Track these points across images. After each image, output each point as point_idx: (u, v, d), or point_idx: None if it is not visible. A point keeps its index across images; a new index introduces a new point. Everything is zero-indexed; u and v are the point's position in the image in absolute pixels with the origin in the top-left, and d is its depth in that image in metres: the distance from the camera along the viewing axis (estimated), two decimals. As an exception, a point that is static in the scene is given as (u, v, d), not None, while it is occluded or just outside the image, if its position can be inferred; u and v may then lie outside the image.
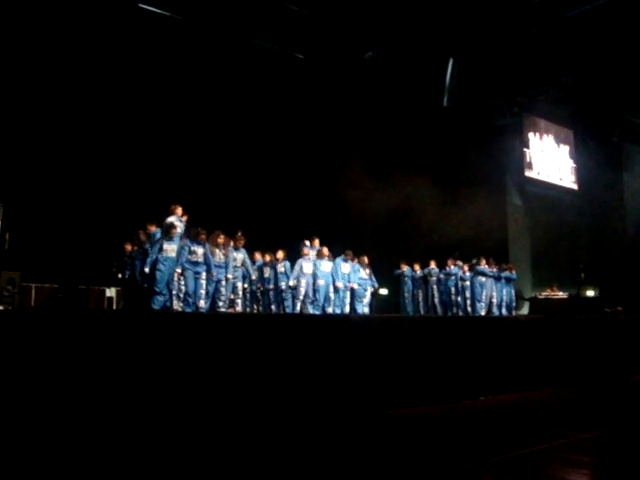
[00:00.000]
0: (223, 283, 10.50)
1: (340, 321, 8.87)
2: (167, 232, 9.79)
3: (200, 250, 9.95)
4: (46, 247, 11.90)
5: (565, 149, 22.24)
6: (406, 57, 16.01)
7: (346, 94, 15.43)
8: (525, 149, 20.35)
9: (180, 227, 10.11)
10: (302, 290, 11.89)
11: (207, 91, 13.93)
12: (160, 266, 9.60)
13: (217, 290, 10.37)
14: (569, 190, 21.80)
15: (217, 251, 10.38)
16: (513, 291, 15.37)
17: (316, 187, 15.17)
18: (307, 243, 12.28)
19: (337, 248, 12.50)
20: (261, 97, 14.56)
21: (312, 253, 12.17)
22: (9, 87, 11.48)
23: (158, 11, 13.14)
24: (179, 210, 10.29)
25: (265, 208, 14.39)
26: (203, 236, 9.99)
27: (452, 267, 14.54)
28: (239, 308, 11.37)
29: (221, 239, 10.44)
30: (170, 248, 9.70)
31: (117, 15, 12.52)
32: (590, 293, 19.12)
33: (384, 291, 15.79)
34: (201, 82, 13.84)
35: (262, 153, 14.65)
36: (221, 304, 10.47)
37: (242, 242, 11.16)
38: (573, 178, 22.20)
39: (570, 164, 22.30)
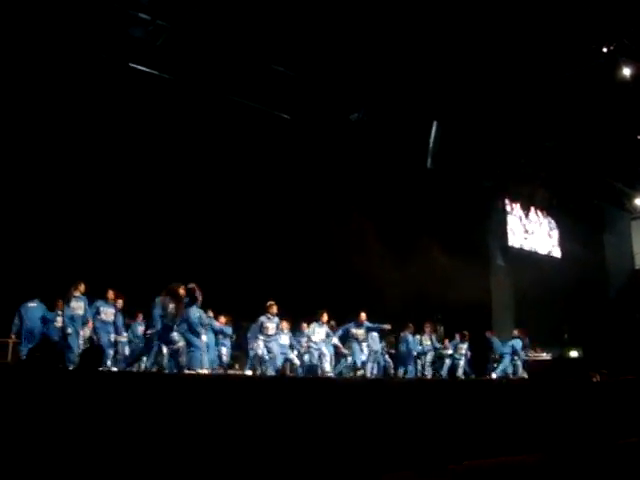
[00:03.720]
0: None
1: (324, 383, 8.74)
2: None
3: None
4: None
5: (546, 212, 22.55)
6: (391, 119, 16.25)
7: (331, 154, 15.57)
8: (507, 213, 20.62)
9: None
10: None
11: (194, 152, 14.01)
12: None
13: None
14: (551, 257, 22.06)
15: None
16: None
17: (295, 249, 15.13)
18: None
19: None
20: (248, 159, 14.66)
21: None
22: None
23: (147, 70, 13.31)
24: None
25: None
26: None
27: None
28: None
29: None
30: None
31: (108, 74, 12.67)
32: (574, 354, 19.07)
33: None
34: (189, 142, 13.93)
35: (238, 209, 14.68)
36: None
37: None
38: (555, 240, 22.45)
39: (552, 226, 22.58)
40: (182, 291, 9.79)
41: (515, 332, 16.55)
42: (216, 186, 14.23)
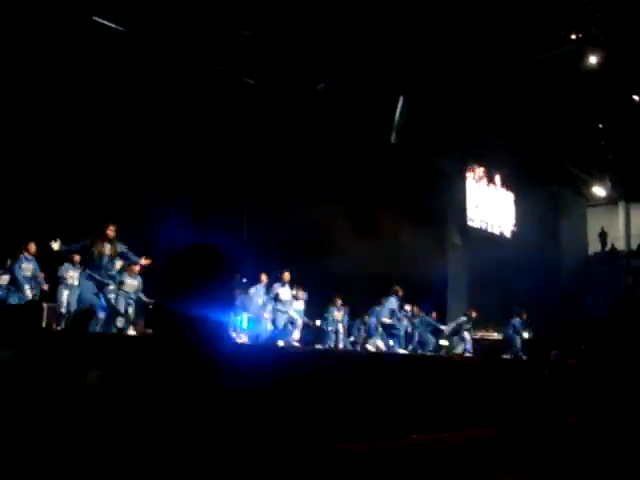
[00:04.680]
0: None
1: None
2: None
3: None
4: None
5: (507, 195, 22.79)
6: (358, 91, 16.14)
7: (296, 123, 15.40)
8: (467, 194, 20.78)
9: None
10: None
11: (157, 114, 13.66)
12: None
13: None
14: (508, 238, 22.35)
15: None
16: None
17: (258, 211, 14.99)
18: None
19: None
20: (212, 123, 14.39)
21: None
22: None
23: (112, 25, 12.91)
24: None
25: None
26: None
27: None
28: None
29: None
30: None
31: (69, 27, 12.23)
32: (525, 335, 19.41)
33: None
34: (152, 103, 13.58)
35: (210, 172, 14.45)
36: None
37: None
38: (513, 223, 22.72)
39: (511, 210, 22.84)
40: None
41: (465, 311, 16.85)
42: (178, 150, 13.95)
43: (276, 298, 12.67)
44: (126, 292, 10.53)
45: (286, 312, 12.67)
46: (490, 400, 11.16)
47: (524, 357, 15.80)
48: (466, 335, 16.17)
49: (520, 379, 12.11)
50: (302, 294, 13.27)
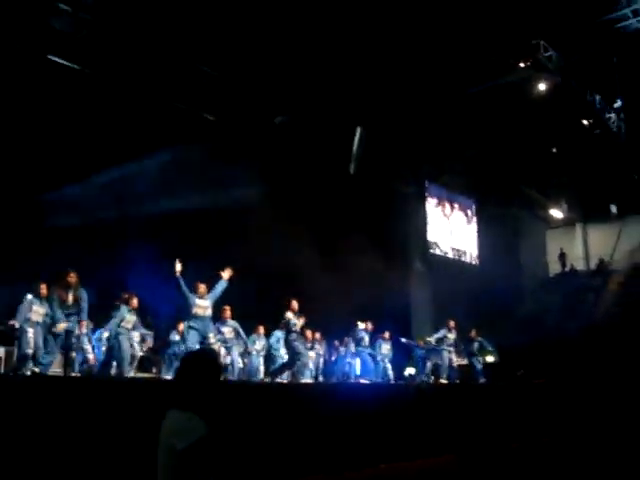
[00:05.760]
0: None
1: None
2: None
3: None
4: None
5: (467, 218, 23.12)
6: (315, 123, 16.31)
7: (256, 156, 15.46)
8: (428, 219, 21.04)
9: None
10: None
11: (116, 152, 13.63)
12: None
13: None
14: (470, 264, 22.63)
15: None
16: None
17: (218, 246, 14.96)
18: None
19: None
20: (172, 159, 14.40)
21: None
22: None
23: (67, 64, 12.90)
24: None
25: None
26: None
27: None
28: None
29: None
30: None
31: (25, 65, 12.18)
32: (490, 359, 19.55)
33: None
34: (111, 140, 13.54)
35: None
36: None
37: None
38: (474, 245, 23.03)
39: (472, 232, 23.16)
40: None
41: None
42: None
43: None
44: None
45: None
46: (456, 426, 11.22)
47: (482, 380, 15.58)
48: (445, 355, 15.72)
49: (482, 403, 12.22)
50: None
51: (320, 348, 15.01)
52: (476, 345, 16.29)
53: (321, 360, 15.00)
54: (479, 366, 16.22)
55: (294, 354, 11.66)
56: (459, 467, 10.10)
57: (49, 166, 12.61)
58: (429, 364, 16.05)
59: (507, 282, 22.47)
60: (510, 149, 19.99)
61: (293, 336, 11.57)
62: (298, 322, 11.60)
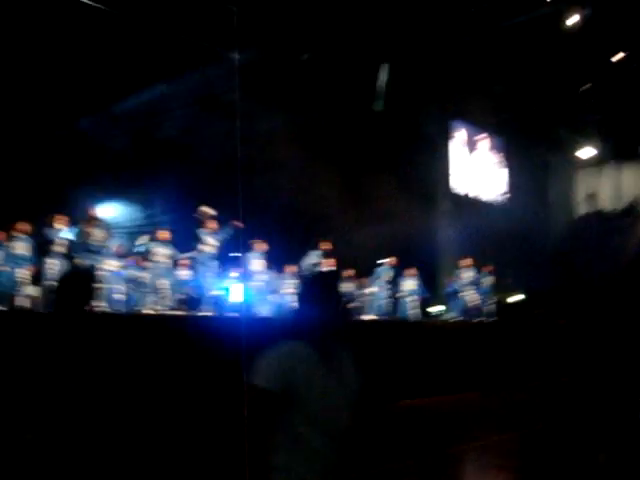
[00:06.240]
0: None
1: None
2: None
3: None
4: None
5: (494, 156, 22.79)
6: (340, 60, 16.04)
7: (280, 94, 15.33)
8: (454, 157, 20.76)
9: None
10: None
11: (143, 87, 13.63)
12: None
13: None
14: (496, 203, 22.42)
15: None
16: None
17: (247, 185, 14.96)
18: None
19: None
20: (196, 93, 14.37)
21: None
22: None
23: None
24: None
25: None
26: None
27: None
28: None
29: None
30: None
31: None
32: (516, 298, 19.57)
33: None
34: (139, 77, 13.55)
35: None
36: None
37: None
38: (501, 185, 22.76)
39: (499, 171, 22.86)
40: None
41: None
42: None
43: None
44: None
45: None
46: (478, 364, 11.34)
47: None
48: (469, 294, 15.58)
49: (503, 342, 12.28)
50: None
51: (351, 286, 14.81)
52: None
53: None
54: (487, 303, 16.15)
55: None
56: (482, 403, 10.28)
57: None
58: (458, 302, 16.09)
59: (535, 223, 22.29)
60: (540, 86, 19.49)
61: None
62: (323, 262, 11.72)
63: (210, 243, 10.74)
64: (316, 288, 2.50)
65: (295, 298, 2.61)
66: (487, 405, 10.00)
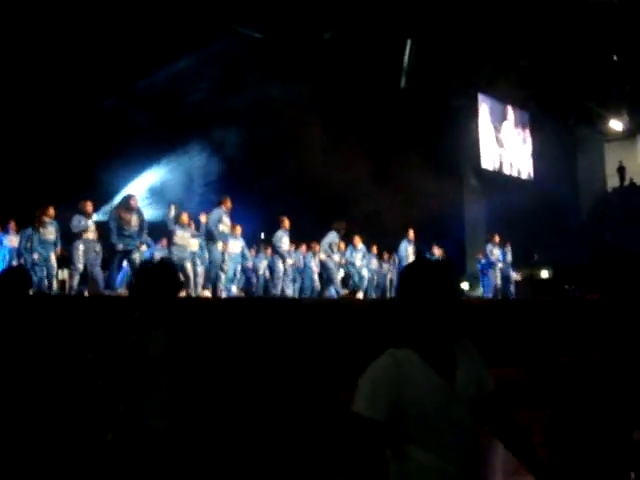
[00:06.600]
0: None
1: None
2: None
3: None
4: None
5: (521, 131, 22.54)
6: (365, 38, 15.92)
7: (305, 73, 15.29)
8: (481, 133, 20.57)
9: None
10: None
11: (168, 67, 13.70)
12: None
13: None
14: (523, 179, 22.20)
15: None
16: None
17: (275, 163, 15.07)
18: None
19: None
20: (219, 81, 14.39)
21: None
22: None
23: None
24: None
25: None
26: None
27: None
28: None
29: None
30: None
31: None
32: (544, 274, 19.46)
33: None
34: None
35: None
36: None
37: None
38: (528, 160, 22.53)
39: (526, 146, 22.62)
40: None
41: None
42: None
43: None
44: None
45: None
46: (509, 340, 11.31)
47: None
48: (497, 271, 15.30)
49: (529, 317, 12.22)
50: None
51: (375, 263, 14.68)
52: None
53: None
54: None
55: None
56: (514, 379, 10.27)
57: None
58: (491, 279, 15.82)
59: (563, 197, 22.07)
60: (568, 58, 19.15)
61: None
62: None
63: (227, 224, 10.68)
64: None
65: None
66: (516, 381, 9.98)
